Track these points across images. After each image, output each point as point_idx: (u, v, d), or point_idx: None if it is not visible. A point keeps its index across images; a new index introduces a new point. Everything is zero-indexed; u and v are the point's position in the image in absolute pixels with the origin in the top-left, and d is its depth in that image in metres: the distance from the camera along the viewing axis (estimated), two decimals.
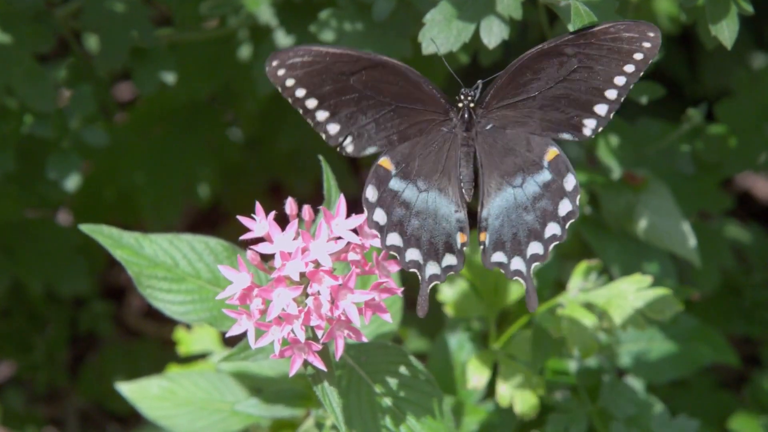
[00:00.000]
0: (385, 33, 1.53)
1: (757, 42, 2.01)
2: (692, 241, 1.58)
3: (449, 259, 1.32)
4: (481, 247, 1.31)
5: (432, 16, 1.41)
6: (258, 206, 1.22)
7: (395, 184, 1.32)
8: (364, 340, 1.22)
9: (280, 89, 1.30)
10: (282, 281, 1.20)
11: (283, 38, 1.64)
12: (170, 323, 1.99)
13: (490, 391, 1.58)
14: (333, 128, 1.32)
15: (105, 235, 1.34)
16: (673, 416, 1.57)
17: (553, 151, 1.31)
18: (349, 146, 1.32)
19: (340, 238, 1.21)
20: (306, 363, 1.22)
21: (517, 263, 1.31)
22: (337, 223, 1.22)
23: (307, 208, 1.24)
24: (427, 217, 1.31)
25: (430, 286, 1.30)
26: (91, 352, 2.17)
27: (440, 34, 1.41)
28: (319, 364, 1.22)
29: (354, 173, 2.25)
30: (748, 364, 2.02)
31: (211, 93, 1.90)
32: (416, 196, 1.32)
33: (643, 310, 1.45)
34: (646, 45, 1.28)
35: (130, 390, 1.52)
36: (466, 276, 1.55)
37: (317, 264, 1.20)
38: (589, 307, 1.49)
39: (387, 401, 1.31)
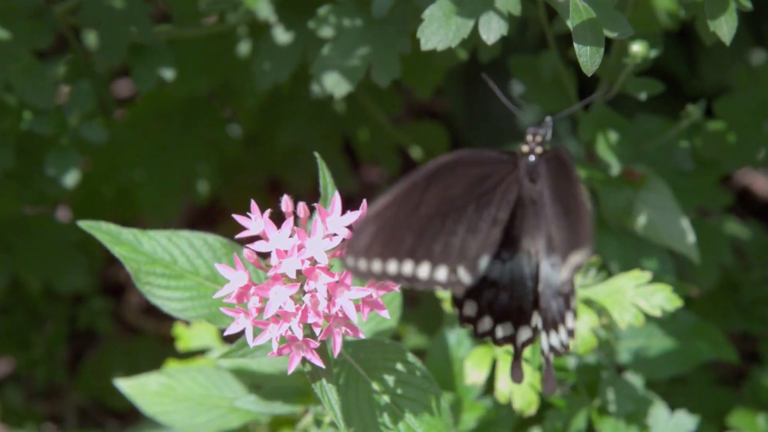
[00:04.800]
0: (384, 29, 1.53)
1: (756, 38, 2.01)
2: (691, 237, 1.58)
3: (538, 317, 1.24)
4: None
5: (431, 12, 1.41)
6: (253, 204, 1.22)
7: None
8: (362, 336, 1.22)
9: (377, 281, 1.17)
10: (279, 279, 1.19)
11: (282, 34, 1.64)
12: (169, 320, 1.98)
13: (489, 387, 1.58)
14: (442, 274, 1.17)
15: (103, 231, 1.34)
16: (672, 412, 1.57)
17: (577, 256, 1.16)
18: (467, 279, 1.18)
19: (335, 234, 1.21)
20: (304, 360, 1.22)
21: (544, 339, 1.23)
22: (332, 220, 1.21)
23: (302, 206, 1.23)
24: (515, 285, 1.22)
25: (524, 350, 1.24)
26: (90, 348, 2.17)
27: (439, 30, 1.41)
28: (317, 362, 1.21)
29: (354, 172, 2.25)
30: (747, 361, 2.02)
31: (210, 89, 1.90)
32: (501, 270, 1.23)
33: (641, 307, 1.45)
34: None
35: (129, 386, 1.52)
36: None
37: (313, 261, 1.20)
38: (588, 303, 1.49)
39: (385, 398, 1.31)
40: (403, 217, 1.17)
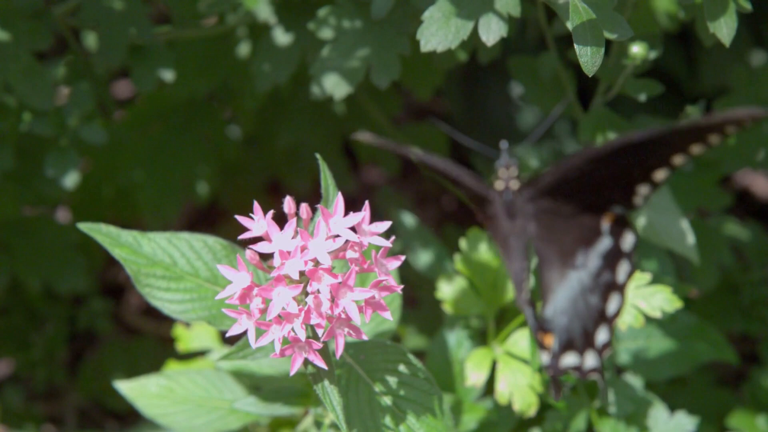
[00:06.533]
0: (384, 30, 1.53)
1: (755, 39, 2.01)
2: (691, 238, 1.58)
3: (543, 357, 1.22)
4: (547, 352, 1.20)
5: (430, 14, 1.41)
6: (256, 206, 1.22)
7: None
8: (365, 338, 1.22)
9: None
10: (282, 280, 1.19)
11: (281, 36, 1.64)
12: (169, 321, 1.99)
13: (489, 388, 1.58)
14: None
15: (103, 233, 1.34)
16: (671, 413, 1.57)
17: (610, 214, 1.18)
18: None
19: (338, 236, 1.21)
20: (306, 362, 1.22)
21: (591, 359, 1.20)
22: (335, 222, 1.21)
23: (304, 207, 1.23)
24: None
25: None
26: (90, 349, 2.17)
27: (438, 32, 1.41)
28: (320, 363, 1.21)
29: (353, 173, 2.25)
30: (747, 362, 2.02)
31: (210, 90, 1.90)
32: None
33: (641, 308, 1.45)
34: (731, 128, 1.12)
35: (129, 388, 1.52)
36: (464, 273, 1.55)
37: (316, 262, 1.20)
38: None
39: (386, 400, 1.31)
40: None
